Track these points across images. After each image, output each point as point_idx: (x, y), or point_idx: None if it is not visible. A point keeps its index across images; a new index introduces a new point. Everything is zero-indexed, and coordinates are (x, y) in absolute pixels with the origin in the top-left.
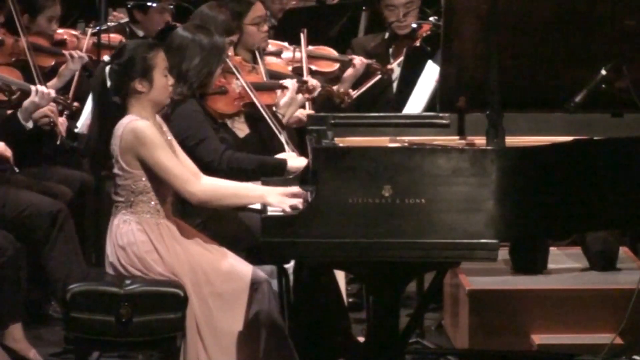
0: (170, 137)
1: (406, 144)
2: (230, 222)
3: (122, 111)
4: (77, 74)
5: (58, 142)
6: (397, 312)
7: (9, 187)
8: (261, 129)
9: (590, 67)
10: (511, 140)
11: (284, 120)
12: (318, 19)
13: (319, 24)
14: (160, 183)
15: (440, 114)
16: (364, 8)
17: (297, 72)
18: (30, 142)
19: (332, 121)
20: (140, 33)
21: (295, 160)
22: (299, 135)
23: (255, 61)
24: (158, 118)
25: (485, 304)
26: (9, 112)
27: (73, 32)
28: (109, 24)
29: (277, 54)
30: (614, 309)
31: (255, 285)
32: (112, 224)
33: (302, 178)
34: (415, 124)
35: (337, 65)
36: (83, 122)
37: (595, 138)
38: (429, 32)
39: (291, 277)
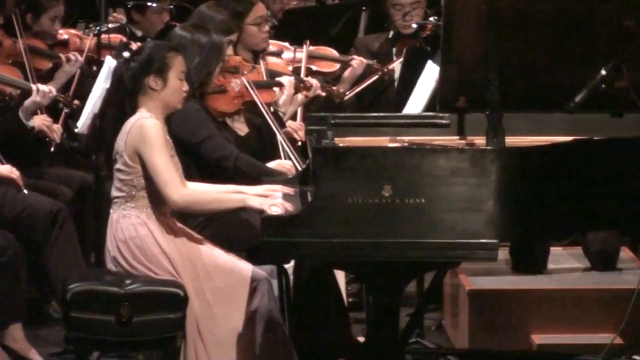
0: (170, 140)
1: (406, 144)
2: (230, 222)
3: (131, 109)
4: (77, 74)
5: (52, 149)
6: (397, 312)
7: (9, 187)
8: (261, 128)
9: (590, 67)
10: (511, 140)
11: (285, 119)
12: (318, 19)
13: (319, 24)
14: (153, 183)
15: (440, 114)
16: (364, 8)
17: (297, 72)
18: (30, 142)
19: (332, 121)
20: (139, 33)
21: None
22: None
23: (255, 61)
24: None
25: (485, 304)
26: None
27: (76, 32)
28: (108, 25)
29: (278, 54)
30: (614, 309)
31: (255, 285)
32: (111, 220)
33: (302, 178)
34: (415, 124)
35: (337, 66)
36: (83, 122)
37: (595, 138)
38: (428, 32)
39: (291, 277)
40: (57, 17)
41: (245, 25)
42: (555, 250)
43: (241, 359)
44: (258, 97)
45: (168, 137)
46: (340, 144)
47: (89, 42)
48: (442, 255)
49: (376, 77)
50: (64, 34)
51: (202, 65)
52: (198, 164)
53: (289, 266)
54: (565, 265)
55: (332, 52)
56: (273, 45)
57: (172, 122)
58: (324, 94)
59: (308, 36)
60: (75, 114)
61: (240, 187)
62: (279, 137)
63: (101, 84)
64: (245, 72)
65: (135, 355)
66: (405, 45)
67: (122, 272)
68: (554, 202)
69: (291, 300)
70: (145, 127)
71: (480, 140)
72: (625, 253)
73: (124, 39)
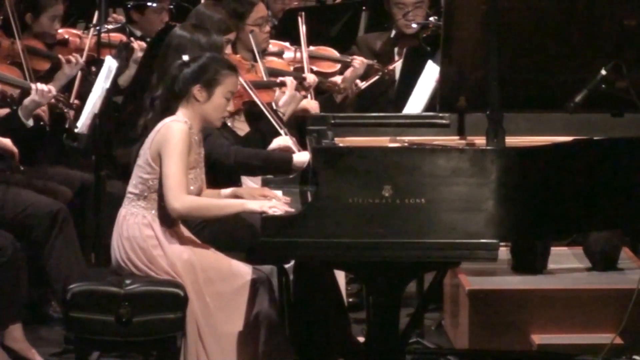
0: (202, 155)
1: (406, 144)
2: (230, 222)
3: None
4: (79, 74)
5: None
6: (397, 312)
7: (9, 186)
8: (262, 127)
9: (590, 67)
10: (511, 140)
11: (285, 119)
12: (318, 19)
13: (319, 24)
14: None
15: (440, 114)
16: (364, 8)
17: (298, 70)
18: (30, 142)
19: (332, 121)
20: (138, 33)
21: (299, 155)
22: (300, 135)
23: (254, 60)
24: (199, 134)
25: (485, 304)
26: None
27: (75, 31)
28: (108, 26)
29: (279, 54)
30: (614, 309)
31: (255, 285)
32: (119, 215)
33: (302, 178)
34: (415, 124)
35: (338, 66)
36: (83, 122)
37: (595, 138)
38: (429, 32)
39: (291, 277)
40: (56, 16)
41: (246, 25)
42: (555, 250)
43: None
44: (257, 97)
45: (199, 149)
46: (340, 144)
47: (89, 41)
48: (442, 255)
49: (377, 77)
50: (64, 33)
51: None
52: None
53: (289, 266)
54: (566, 265)
55: (333, 52)
56: (274, 45)
57: None
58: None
59: (308, 36)
60: (75, 114)
61: (237, 189)
62: (282, 134)
63: (101, 84)
64: (244, 71)
65: (135, 355)
66: (407, 45)
67: (125, 267)
68: (554, 202)
69: (291, 300)
70: (172, 129)
71: (480, 140)
72: (625, 253)
73: (124, 39)
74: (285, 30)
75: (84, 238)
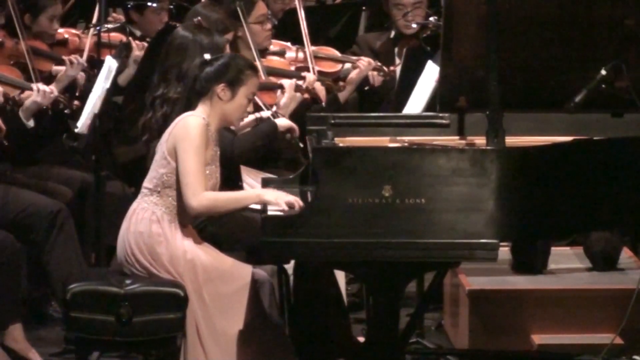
0: (218, 153)
1: (406, 144)
2: (230, 222)
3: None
4: (82, 75)
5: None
6: (397, 312)
7: (9, 186)
8: (264, 126)
9: (590, 67)
10: (511, 140)
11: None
12: (318, 19)
13: (319, 24)
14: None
15: (440, 114)
16: (364, 8)
17: (301, 70)
18: (30, 142)
19: (332, 121)
20: (138, 33)
21: (280, 120)
22: (299, 135)
23: (255, 59)
24: (216, 133)
25: (485, 304)
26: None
27: (75, 31)
28: (108, 25)
29: (281, 53)
30: (614, 309)
31: (255, 285)
32: (131, 208)
33: (302, 178)
34: (415, 124)
35: (340, 66)
36: (83, 122)
37: (595, 138)
38: (429, 32)
39: (291, 277)
40: (55, 16)
41: (248, 24)
42: (555, 250)
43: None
44: (258, 98)
45: (215, 146)
46: (340, 144)
47: (89, 41)
48: (442, 255)
49: (380, 78)
50: (63, 33)
51: None
52: None
53: (289, 266)
54: (566, 265)
55: (335, 52)
56: (275, 44)
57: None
58: (323, 88)
59: (308, 36)
60: (75, 114)
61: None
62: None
63: (101, 84)
64: None
65: (135, 355)
66: (407, 45)
67: (128, 260)
68: (554, 202)
69: (291, 300)
70: (189, 124)
71: (480, 140)
72: (625, 253)
73: (124, 39)
74: (285, 31)
75: (84, 238)
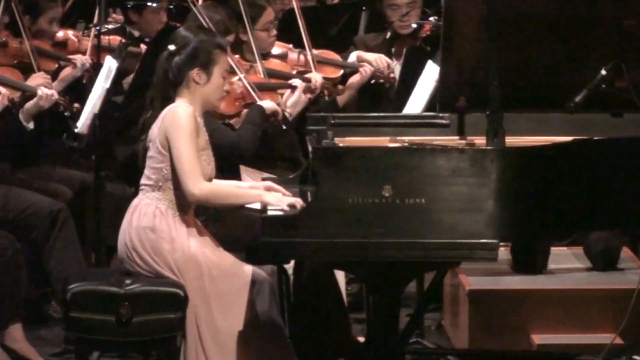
0: (207, 139)
1: (406, 144)
2: (230, 222)
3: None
4: (86, 75)
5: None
6: (397, 312)
7: (9, 186)
8: (266, 127)
9: (590, 67)
10: (511, 140)
11: (291, 119)
12: (318, 19)
13: (319, 24)
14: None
15: (440, 114)
16: (364, 8)
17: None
18: (30, 143)
19: (332, 121)
20: (136, 34)
21: (265, 102)
22: (299, 135)
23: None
24: (200, 120)
25: (485, 304)
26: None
27: (74, 32)
28: (108, 26)
29: (283, 56)
30: (614, 309)
31: (255, 285)
32: (131, 205)
33: (302, 178)
34: (415, 124)
35: (341, 72)
36: (83, 122)
37: (595, 138)
38: (429, 32)
39: (291, 277)
40: (55, 18)
41: (255, 31)
42: (555, 250)
43: None
44: (260, 99)
45: (205, 132)
46: (340, 144)
47: (90, 43)
48: (442, 255)
49: (380, 81)
50: (63, 35)
51: None
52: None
53: (289, 266)
54: (566, 265)
55: (336, 56)
56: (278, 46)
57: None
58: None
59: (308, 36)
60: (75, 115)
61: (239, 183)
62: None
63: (101, 84)
64: (244, 72)
65: (135, 355)
66: (403, 46)
67: (129, 256)
68: (554, 202)
69: (291, 300)
70: (178, 113)
71: (480, 140)
72: (625, 253)
73: (123, 40)
74: (284, 31)
75: (84, 238)
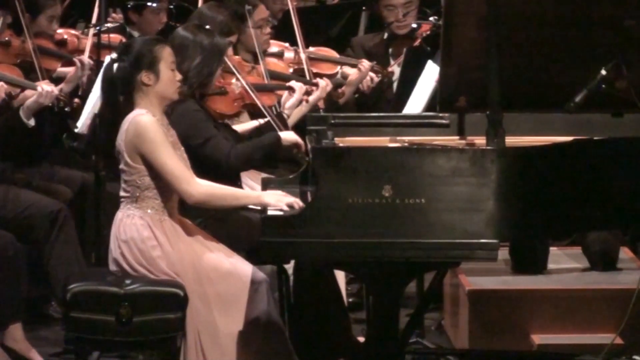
0: (175, 135)
1: (406, 144)
2: (230, 222)
3: (127, 108)
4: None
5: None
6: (397, 312)
7: (9, 186)
8: (263, 129)
9: (590, 67)
10: (511, 140)
11: (290, 122)
12: (318, 19)
13: (319, 24)
14: (162, 181)
15: (440, 114)
16: (364, 8)
17: (300, 74)
18: (31, 142)
19: (332, 121)
20: (136, 34)
21: (285, 134)
22: (300, 135)
23: (255, 61)
24: (164, 117)
25: (485, 304)
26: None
27: (74, 32)
28: (108, 25)
29: (279, 55)
30: (614, 309)
31: (254, 286)
32: (116, 218)
33: (302, 178)
34: (415, 124)
35: (338, 68)
36: (83, 122)
37: (595, 138)
38: (429, 32)
39: (291, 277)
40: (54, 16)
41: (248, 28)
42: (555, 250)
43: None
44: (259, 100)
45: (172, 130)
46: (340, 144)
47: (89, 42)
48: (442, 255)
49: (377, 79)
50: (63, 34)
51: (203, 66)
52: (197, 164)
53: (289, 266)
54: (565, 265)
55: (333, 53)
56: (274, 45)
57: (170, 123)
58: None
59: (307, 36)
60: (76, 111)
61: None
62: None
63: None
64: (244, 73)
65: (135, 355)
66: (401, 46)
67: (125, 270)
68: (554, 202)
69: (291, 300)
70: (141, 125)
71: (480, 140)
72: (625, 253)
73: (124, 40)
74: (284, 31)
75: (84, 238)
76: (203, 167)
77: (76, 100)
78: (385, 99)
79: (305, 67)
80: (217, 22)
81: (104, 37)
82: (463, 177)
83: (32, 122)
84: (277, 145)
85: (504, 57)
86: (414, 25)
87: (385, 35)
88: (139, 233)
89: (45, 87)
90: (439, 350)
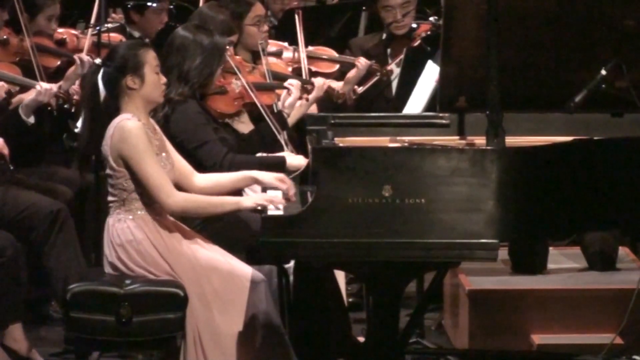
0: (162, 138)
1: (406, 144)
2: (230, 222)
3: (113, 113)
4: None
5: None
6: (397, 312)
7: (9, 187)
8: (262, 129)
9: (590, 67)
10: (511, 140)
11: (290, 120)
12: (318, 19)
13: (319, 24)
14: (142, 187)
15: (440, 114)
16: (364, 8)
17: (298, 74)
18: (31, 142)
19: (332, 121)
20: (137, 34)
21: (294, 158)
22: (299, 136)
23: (255, 61)
24: (150, 120)
25: (485, 304)
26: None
27: (73, 31)
28: (108, 25)
29: (278, 54)
30: (614, 309)
31: (254, 286)
32: (107, 225)
33: (302, 178)
34: (415, 124)
35: (336, 67)
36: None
37: (595, 138)
38: (429, 32)
39: (291, 277)
40: (53, 16)
41: (245, 25)
42: (555, 250)
43: None
44: (258, 99)
45: (159, 133)
46: (340, 144)
47: (87, 42)
48: (442, 255)
49: (376, 78)
50: (62, 33)
51: (203, 66)
52: (196, 165)
53: (289, 266)
54: (565, 266)
55: (331, 52)
56: (272, 45)
57: (171, 123)
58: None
59: (307, 36)
60: (76, 109)
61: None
62: (281, 139)
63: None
64: (245, 72)
65: (135, 355)
66: (399, 46)
67: (125, 274)
68: (553, 202)
69: (291, 300)
70: (126, 130)
71: (480, 140)
72: (625, 253)
73: (124, 40)
74: (284, 31)
75: (84, 238)
76: (200, 166)
77: (75, 97)
78: (384, 98)
79: (302, 66)
80: (217, 22)
81: (104, 37)
82: (463, 177)
83: (31, 120)
84: (281, 168)
85: (504, 57)
86: (414, 25)
87: (384, 36)
88: (134, 235)
89: (44, 84)
90: (439, 350)
